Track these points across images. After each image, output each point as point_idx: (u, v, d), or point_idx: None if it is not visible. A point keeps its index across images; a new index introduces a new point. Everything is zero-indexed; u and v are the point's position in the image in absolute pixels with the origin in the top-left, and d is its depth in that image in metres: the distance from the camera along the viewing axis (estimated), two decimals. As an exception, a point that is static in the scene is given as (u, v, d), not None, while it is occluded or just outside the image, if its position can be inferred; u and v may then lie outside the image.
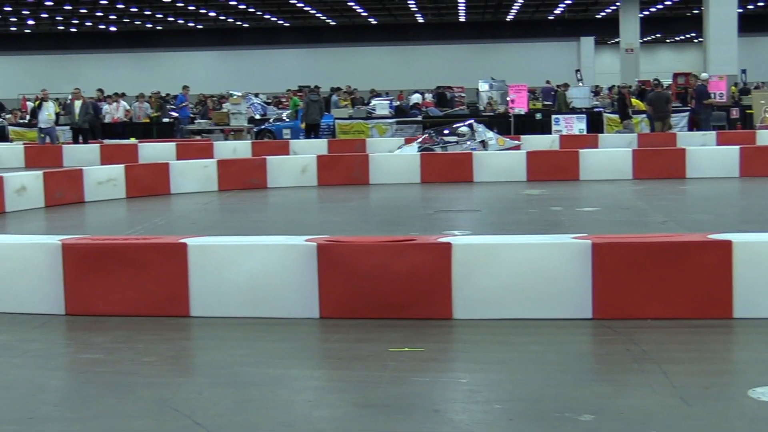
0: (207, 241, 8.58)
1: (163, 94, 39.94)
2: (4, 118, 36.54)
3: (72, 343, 7.89)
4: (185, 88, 34.72)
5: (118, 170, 18.30)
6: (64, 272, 8.44)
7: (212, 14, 53.34)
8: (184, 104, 33.64)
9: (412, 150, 21.17)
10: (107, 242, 8.69)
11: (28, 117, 34.55)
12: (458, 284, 8.05)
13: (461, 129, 21.96)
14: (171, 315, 8.27)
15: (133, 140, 28.35)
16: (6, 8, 48.30)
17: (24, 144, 28.49)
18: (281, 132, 29.63)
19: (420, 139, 22.28)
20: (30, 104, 37.65)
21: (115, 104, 32.66)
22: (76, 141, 27.24)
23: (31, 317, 8.35)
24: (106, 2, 46.84)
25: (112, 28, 60.40)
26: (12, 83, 57.99)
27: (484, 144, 21.62)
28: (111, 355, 7.27)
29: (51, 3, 46.59)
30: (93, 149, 25.85)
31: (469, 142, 21.50)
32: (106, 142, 27.98)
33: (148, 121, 32.55)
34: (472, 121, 23.24)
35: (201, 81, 49.57)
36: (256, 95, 40.19)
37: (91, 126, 27.65)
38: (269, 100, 41.21)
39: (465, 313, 8.04)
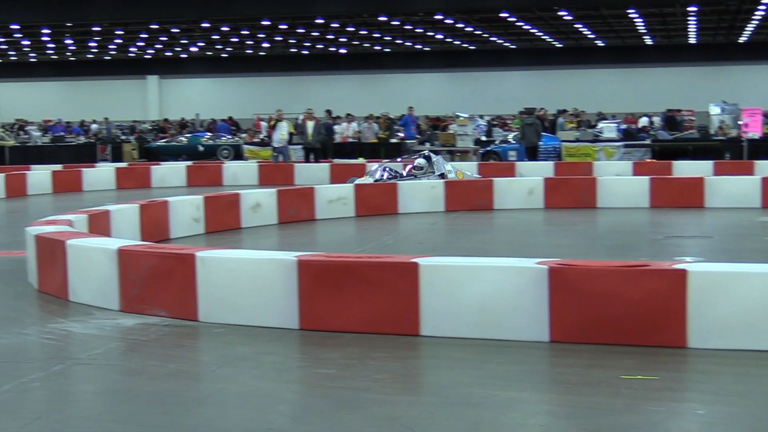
0: (438, 261, 8.63)
1: (391, 115, 40.60)
2: (239, 137, 37.95)
3: (306, 358, 8.07)
4: (410, 108, 35.19)
5: (347, 189, 18.71)
6: (299, 288, 8.67)
7: (439, 36, 53.83)
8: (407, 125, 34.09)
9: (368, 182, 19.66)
10: (341, 259, 8.87)
11: (261, 136, 35.79)
12: (694, 312, 7.82)
13: (418, 161, 20.51)
14: (401, 333, 8.35)
15: (361, 160, 28.95)
16: (243, 31, 50.17)
17: (258, 162, 29.54)
18: (507, 154, 29.60)
19: (374, 170, 20.82)
20: (263, 124, 38.99)
21: (345, 124, 33.44)
22: (307, 160, 28.02)
23: (267, 330, 8.61)
24: (337, 25, 47.97)
25: (342, 51, 61.80)
26: (247, 103, 60.21)
27: (443, 177, 20.12)
28: (344, 371, 7.41)
29: (285, 26, 48.07)
30: (323, 168, 26.54)
31: (427, 176, 20.13)
32: (336, 161, 28.67)
33: (376, 141, 33.13)
34: (427, 152, 21.63)
35: (427, 102, 50.07)
36: (481, 117, 40.30)
37: (323, 145, 28.43)
38: (495, 122, 41.23)
39: (700, 342, 7.80)
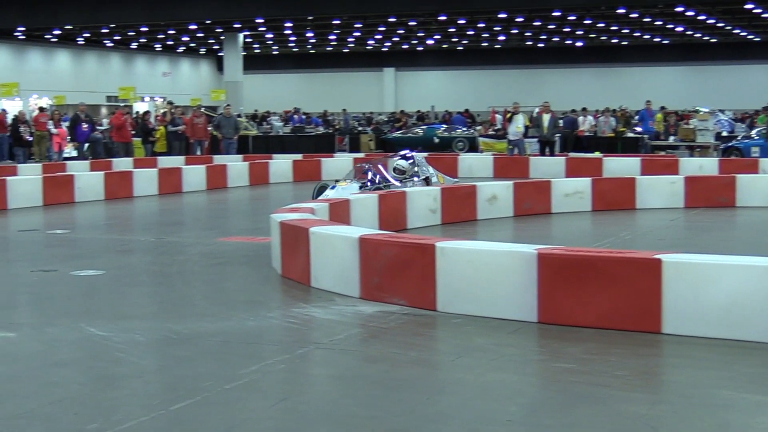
0: (683, 258, 8.39)
1: (627, 109, 39.88)
2: (475, 130, 38.09)
3: (545, 351, 8.01)
4: (648, 102, 34.44)
5: (584, 183, 18.46)
6: (539, 281, 8.62)
7: (679, 29, 52.43)
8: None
9: (352, 189, 16.29)
10: (582, 253, 8.76)
11: (497, 128, 35.82)
12: None
13: (400, 163, 17.55)
14: (642, 330, 8.18)
15: (597, 154, 28.53)
16: (480, 24, 50.33)
17: (493, 155, 29.55)
18: (749, 150, 28.52)
19: (352, 174, 17.64)
20: (499, 117, 38.99)
21: (581, 118, 33.11)
22: (542, 153, 27.84)
23: (505, 322, 8.60)
24: (574, 18, 47.47)
25: (578, 44, 61.09)
26: (482, 96, 60.41)
27: (428, 181, 17.67)
28: (584, 366, 7.32)
29: (521, 19, 47.93)
30: (558, 162, 26.30)
31: (415, 179, 17.46)
32: (571, 155, 28.37)
33: (612, 135, 32.59)
34: (409, 152, 18.59)
35: (664, 96, 48.84)
36: (723, 111, 39.01)
37: (565, 138, 28.22)
38: (737, 117, 39.86)
39: None
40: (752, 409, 6.28)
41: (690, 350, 7.73)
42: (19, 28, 49.71)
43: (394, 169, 17.31)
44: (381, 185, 16.66)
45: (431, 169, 18.20)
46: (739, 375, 7.09)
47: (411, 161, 17.66)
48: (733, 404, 6.36)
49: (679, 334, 8.08)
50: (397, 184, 16.88)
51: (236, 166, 26.56)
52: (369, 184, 16.63)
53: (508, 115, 28.97)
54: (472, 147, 34.89)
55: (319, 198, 15.90)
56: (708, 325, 8.01)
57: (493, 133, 35.80)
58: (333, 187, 16.53)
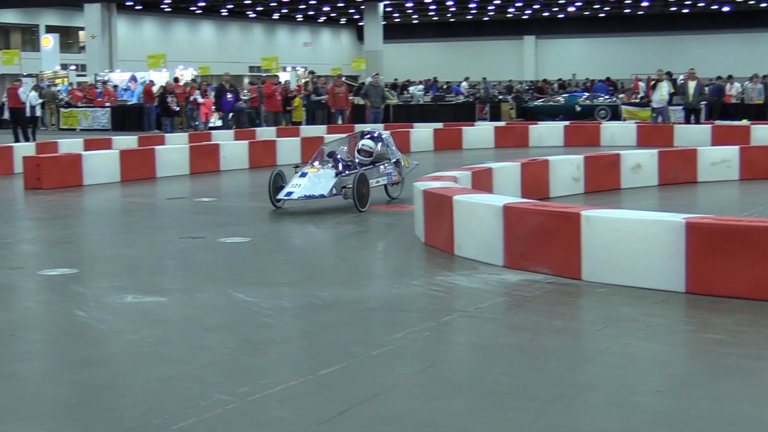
0: (839, 228, 8.13)
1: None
2: (617, 98, 37.49)
3: (693, 322, 7.87)
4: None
5: (732, 151, 18.01)
6: (687, 250, 8.45)
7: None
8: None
9: (328, 177, 13.99)
10: (732, 223, 8.55)
11: (640, 96, 35.19)
12: None
13: (366, 143, 14.92)
14: (794, 302, 7.97)
15: (745, 122, 27.79)
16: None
17: (636, 123, 29.05)
18: None
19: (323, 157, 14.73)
20: (642, 84, 38.26)
21: (728, 84, 32.32)
22: (687, 121, 27.24)
23: (651, 292, 8.47)
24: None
25: (725, 9, 59.44)
26: (625, 64, 59.39)
27: (398, 164, 15.32)
28: (734, 337, 7.17)
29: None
30: (704, 130, 25.71)
31: (385, 164, 14.95)
32: (718, 122, 27.70)
33: (761, 102, 31.68)
34: (377, 132, 16.02)
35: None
36: None
37: (711, 105, 27.64)
38: None
39: None
40: None
41: None
42: (165, 1, 50.80)
43: (360, 151, 14.77)
44: (349, 170, 14.30)
45: (398, 151, 15.74)
46: None
47: (380, 142, 15.27)
48: None
49: (834, 306, 7.84)
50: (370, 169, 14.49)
51: (377, 134, 26.69)
52: (341, 167, 14.28)
53: (652, 83, 28.36)
54: (615, 115, 34.36)
55: (291, 184, 13.84)
56: None
57: (636, 101, 35.17)
58: (303, 174, 13.93)
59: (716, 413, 5.44)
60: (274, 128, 29.92)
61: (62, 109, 38.94)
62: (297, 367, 6.54)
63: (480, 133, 28.10)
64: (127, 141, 25.85)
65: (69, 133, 35.78)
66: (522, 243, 9.58)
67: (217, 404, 5.66)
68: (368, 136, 15.28)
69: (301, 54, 63.92)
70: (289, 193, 13.74)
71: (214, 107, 33.01)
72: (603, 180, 16.10)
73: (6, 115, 33.33)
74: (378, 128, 16.52)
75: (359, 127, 28.65)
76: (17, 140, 28.56)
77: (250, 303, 8.36)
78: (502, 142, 27.33)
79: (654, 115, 27.99)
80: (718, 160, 17.71)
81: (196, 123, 32.58)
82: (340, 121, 30.78)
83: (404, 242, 11.46)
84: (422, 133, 27.39)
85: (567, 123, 29.66)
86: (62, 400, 5.92)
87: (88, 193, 17.65)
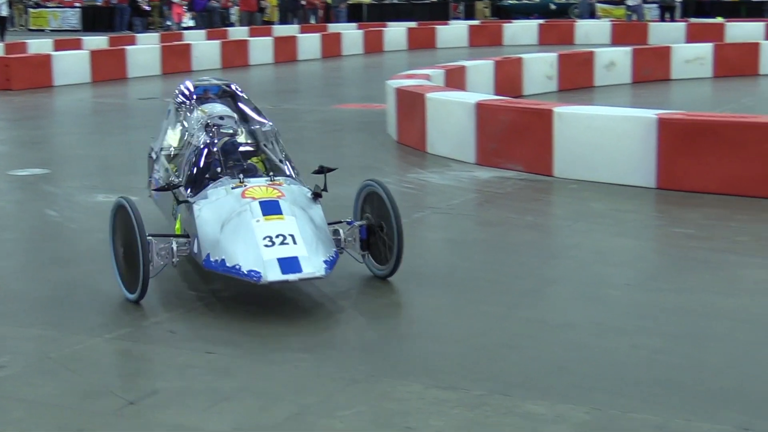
0: (810, 122, 8.16)
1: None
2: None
3: (664, 217, 7.92)
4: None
5: (706, 49, 17.97)
6: (659, 146, 8.47)
7: None
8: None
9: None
10: (703, 118, 8.57)
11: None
12: None
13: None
14: (764, 196, 8.02)
15: (720, 19, 27.67)
16: None
17: (611, 21, 28.89)
18: None
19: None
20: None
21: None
22: (662, 18, 27.12)
23: (622, 188, 8.51)
24: None
25: None
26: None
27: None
28: (704, 231, 7.22)
29: None
30: (679, 27, 25.60)
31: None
32: (692, 20, 27.58)
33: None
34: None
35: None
36: None
37: (686, 3, 27.44)
38: None
39: None
40: None
41: (814, 216, 7.57)
42: None
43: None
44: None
45: None
46: None
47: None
48: None
49: (803, 199, 7.91)
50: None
51: (350, 34, 26.50)
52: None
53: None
54: (590, 13, 34.13)
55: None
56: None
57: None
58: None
59: (683, 305, 5.50)
60: (246, 28, 29.59)
61: (31, 10, 38.34)
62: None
63: (454, 31, 27.91)
64: (98, 41, 25.54)
65: (38, 33, 35.27)
66: (494, 140, 9.58)
67: (188, 299, 5.68)
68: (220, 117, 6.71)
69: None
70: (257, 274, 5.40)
71: (186, 7, 32.57)
72: (576, 78, 16.07)
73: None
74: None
75: (331, 28, 28.41)
76: (-15, 41, 28.12)
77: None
78: (476, 40, 27.16)
79: (629, 13, 27.85)
80: (692, 58, 17.68)
81: (168, 23, 32.16)
82: (313, 21, 30.45)
83: (377, 140, 11.44)
84: (395, 32, 27.20)
85: (541, 21, 29.46)
86: (34, 297, 5.93)
87: (59, 93, 17.47)
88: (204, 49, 22.21)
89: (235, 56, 22.27)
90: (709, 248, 6.78)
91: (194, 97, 6.80)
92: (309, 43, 24.62)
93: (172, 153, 6.67)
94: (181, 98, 6.86)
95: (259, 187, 5.80)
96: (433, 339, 5.01)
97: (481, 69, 14.58)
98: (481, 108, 9.75)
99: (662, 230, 7.55)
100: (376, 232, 5.96)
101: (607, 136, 8.81)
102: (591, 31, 26.93)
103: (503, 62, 15.13)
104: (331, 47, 25.00)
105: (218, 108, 6.71)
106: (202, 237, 5.54)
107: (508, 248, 6.93)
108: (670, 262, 6.65)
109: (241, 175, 5.89)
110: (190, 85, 6.92)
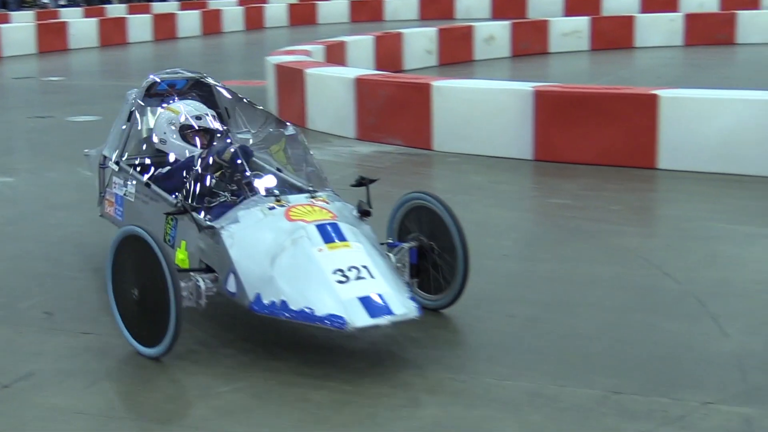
0: (679, 93, 8.36)
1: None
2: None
3: (541, 188, 8.06)
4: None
5: (583, 22, 18.27)
6: (535, 118, 8.60)
7: None
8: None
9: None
10: (578, 90, 8.73)
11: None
12: None
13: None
14: (637, 166, 8.21)
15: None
16: None
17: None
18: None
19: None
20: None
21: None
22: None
23: (500, 160, 8.62)
24: None
25: None
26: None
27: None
28: (579, 201, 7.37)
29: None
30: (556, 2, 25.96)
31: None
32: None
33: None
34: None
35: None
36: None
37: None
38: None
39: None
40: (743, 240, 6.33)
41: (684, 185, 7.77)
42: None
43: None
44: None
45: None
46: (733, 208, 7.15)
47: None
48: (725, 236, 6.41)
49: (674, 169, 8.11)
50: None
51: (231, 10, 26.27)
52: None
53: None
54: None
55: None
56: (703, 159, 8.03)
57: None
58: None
59: (558, 274, 5.60)
60: (124, 5, 29.10)
61: None
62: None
63: (335, 7, 27.86)
64: (-31, 19, 24.84)
65: None
66: (374, 115, 9.60)
67: (65, 280, 5.59)
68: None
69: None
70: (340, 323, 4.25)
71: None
72: (456, 52, 16.20)
73: None
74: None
75: (212, 5, 28.07)
76: None
77: (100, 181, 8.20)
78: (358, 16, 27.19)
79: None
80: (569, 31, 17.95)
81: (45, 0, 31.44)
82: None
83: (257, 117, 11.36)
84: (276, 9, 27.06)
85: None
86: None
87: (-71, 73, 16.98)
88: (81, 27, 21.77)
89: (113, 34, 21.90)
90: (583, 218, 6.91)
91: (160, 94, 5.80)
92: (189, 20, 24.34)
93: (138, 163, 5.55)
94: (138, 96, 5.73)
95: (302, 206, 4.67)
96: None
97: (361, 44, 14.59)
98: (360, 83, 9.77)
99: (539, 201, 7.68)
100: (427, 255, 4.92)
101: (484, 109, 8.91)
102: (472, 5, 27.16)
103: (383, 37, 15.17)
104: (212, 24, 24.75)
105: (194, 106, 5.56)
106: (243, 272, 4.40)
107: (386, 223, 6.94)
108: (547, 232, 6.77)
109: (277, 191, 4.76)
110: (154, 79, 5.82)
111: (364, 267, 4.31)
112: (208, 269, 4.59)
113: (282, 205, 4.61)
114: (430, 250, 4.90)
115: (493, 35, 16.88)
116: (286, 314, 4.20)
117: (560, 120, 8.52)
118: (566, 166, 8.34)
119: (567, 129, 8.49)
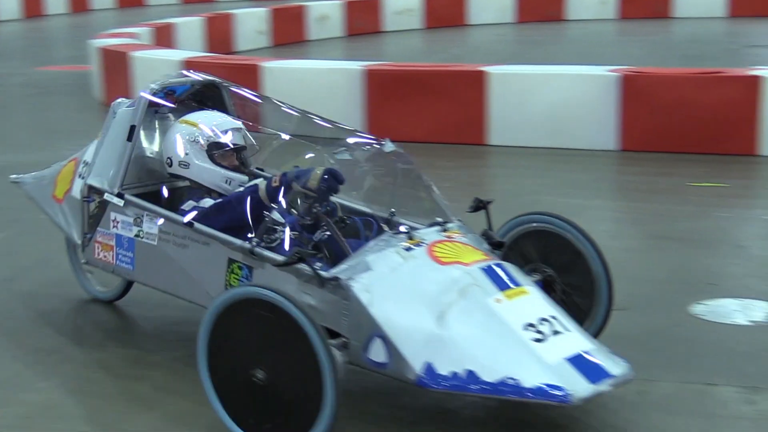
0: (507, 70, 8.44)
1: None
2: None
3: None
4: None
5: (415, 1, 18.33)
6: (367, 97, 8.55)
7: None
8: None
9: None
10: (408, 68, 8.73)
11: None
12: (766, 119, 7.63)
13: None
14: (468, 143, 8.25)
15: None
16: None
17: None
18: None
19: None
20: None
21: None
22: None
23: (333, 141, 8.54)
24: None
25: None
26: None
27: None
28: (410, 179, 7.34)
29: None
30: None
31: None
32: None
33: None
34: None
35: None
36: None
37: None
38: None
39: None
40: (573, 212, 6.31)
41: (514, 160, 7.86)
42: None
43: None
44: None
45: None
46: (561, 181, 7.26)
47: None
48: (555, 209, 6.44)
49: (504, 144, 8.19)
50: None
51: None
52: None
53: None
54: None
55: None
56: (532, 134, 8.15)
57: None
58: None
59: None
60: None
61: None
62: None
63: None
64: None
65: None
66: (203, 97, 9.39)
67: None
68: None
69: None
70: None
71: None
72: (290, 32, 16.04)
73: None
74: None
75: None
76: None
77: None
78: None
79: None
80: (401, 10, 17.99)
81: None
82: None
83: (83, 103, 11.05)
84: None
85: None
86: None
87: None
88: None
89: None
90: (415, 195, 6.88)
91: (153, 104, 4.52)
92: (6, 2, 23.45)
93: (140, 192, 4.43)
94: (139, 111, 4.45)
95: (440, 242, 3.75)
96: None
97: (190, 26, 14.30)
98: (189, 66, 9.51)
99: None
100: (554, 289, 4.00)
101: (315, 89, 8.81)
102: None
103: (214, 18, 14.90)
104: (34, 6, 23.92)
105: (219, 118, 4.42)
106: (399, 337, 3.43)
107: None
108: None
109: (407, 226, 3.86)
110: (154, 87, 4.55)
111: (553, 318, 3.49)
112: (329, 332, 3.43)
113: (418, 244, 3.70)
114: (552, 286, 4.02)
115: (326, 14, 16.79)
116: (478, 387, 3.31)
117: (391, 98, 8.51)
118: (399, 145, 8.30)
119: (398, 107, 8.47)
